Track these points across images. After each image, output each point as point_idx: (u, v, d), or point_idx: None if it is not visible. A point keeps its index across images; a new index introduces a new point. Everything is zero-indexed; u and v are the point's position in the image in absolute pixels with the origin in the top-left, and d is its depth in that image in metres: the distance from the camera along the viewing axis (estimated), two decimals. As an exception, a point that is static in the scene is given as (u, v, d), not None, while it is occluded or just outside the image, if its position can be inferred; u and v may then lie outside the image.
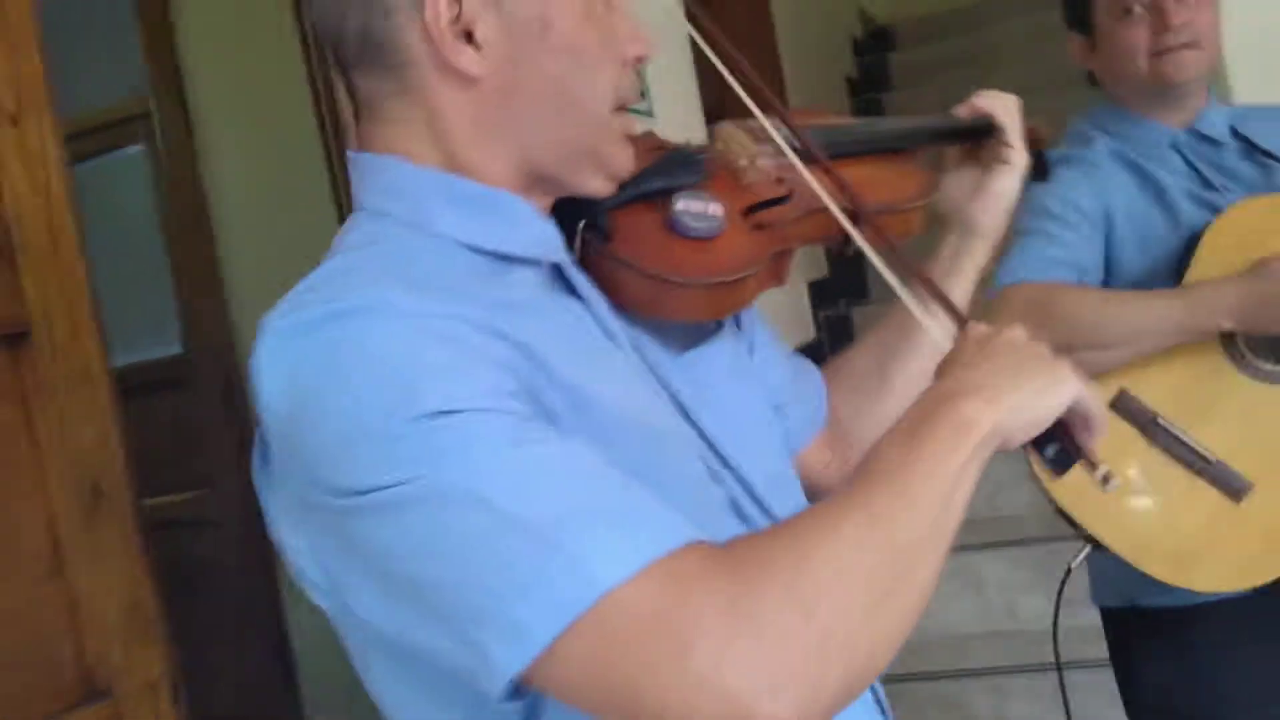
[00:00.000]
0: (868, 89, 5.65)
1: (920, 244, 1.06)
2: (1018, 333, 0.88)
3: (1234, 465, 1.65)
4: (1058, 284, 1.71)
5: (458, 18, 0.84)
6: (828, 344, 4.31)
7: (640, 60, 0.93)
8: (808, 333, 4.36)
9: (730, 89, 1.02)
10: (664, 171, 0.96)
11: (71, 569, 1.39)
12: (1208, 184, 1.80)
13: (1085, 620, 1.90)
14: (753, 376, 1.05)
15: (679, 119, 3.19)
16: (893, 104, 5.30)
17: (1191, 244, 1.73)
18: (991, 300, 1.72)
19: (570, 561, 0.67)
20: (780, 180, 1.03)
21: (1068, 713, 1.72)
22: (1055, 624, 1.69)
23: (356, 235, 0.86)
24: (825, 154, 1.03)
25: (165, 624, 1.49)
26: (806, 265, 4.43)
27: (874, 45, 6.06)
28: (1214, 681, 1.75)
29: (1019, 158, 1.17)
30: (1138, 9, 1.77)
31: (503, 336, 0.76)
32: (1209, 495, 1.66)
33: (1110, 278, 1.79)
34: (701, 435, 0.90)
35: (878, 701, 0.97)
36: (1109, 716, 1.90)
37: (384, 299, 0.74)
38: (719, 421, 0.92)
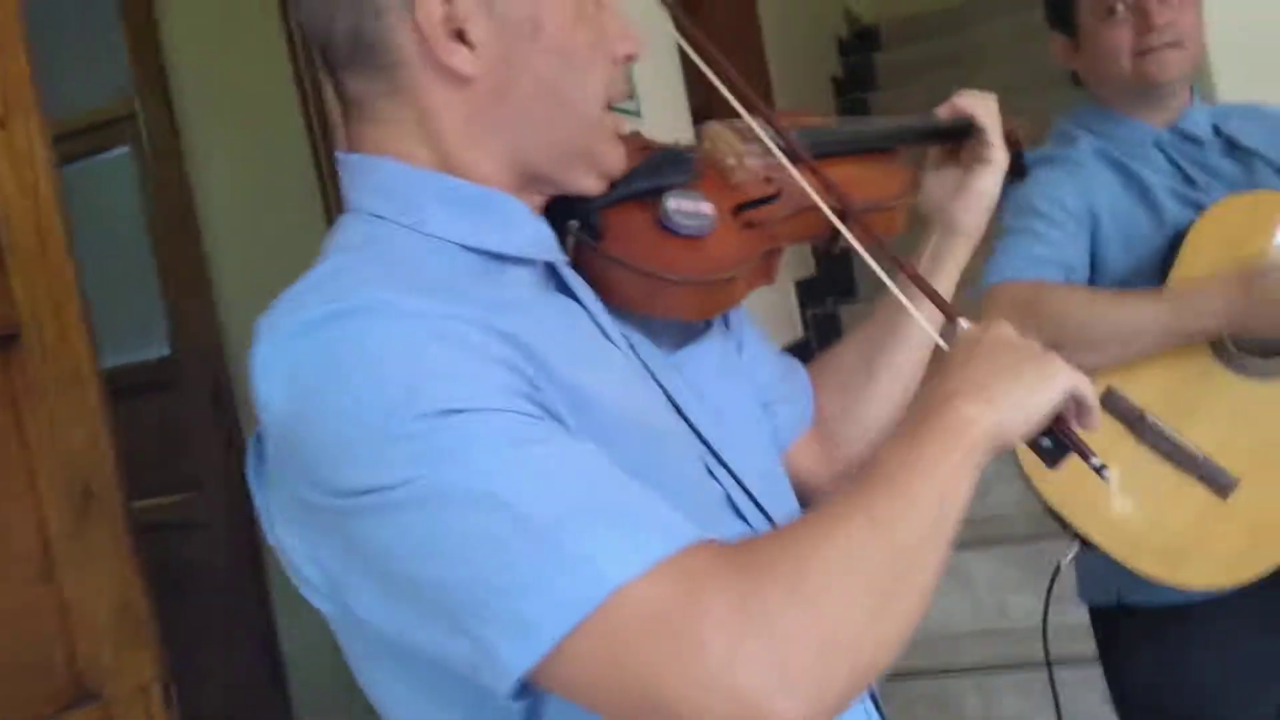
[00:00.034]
0: (853, 89, 5.66)
1: (902, 243, 1.07)
2: (1009, 330, 0.88)
3: (1221, 462, 1.66)
4: (1045, 283, 1.72)
5: (449, 17, 0.84)
6: (816, 342, 4.32)
7: (630, 59, 0.93)
8: (796, 331, 4.37)
9: (717, 89, 1.03)
10: (654, 171, 0.97)
11: (62, 571, 1.39)
12: (1191, 182, 1.81)
13: (1074, 618, 1.90)
14: (741, 375, 1.06)
15: (666, 118, 3.20)
16: (878, 104, 5.32)
17: (1176, 242, 1.74)
18: (978, 299, 1.73)
19: (579, 559, 0.68)
20: (768, 179, 1.04)
21: (1058, 710, 1.72)
22: (1045, 622, 1.70)
23: (351, 236, 0.86)
24: (810, 154, 1.03)
25: (156, 626, 1.49)
26: (794, 264, 4.44)
27: (859, 45, 6.07)
28: (1202, 679, 1.75)
29: (1000, 157, 1.18)
30: (1120, 9, 1.77)
31: (503, 336, 0.76)
32: (1197, 492, 1.67)
33: (1095, 276, 1.79)
34: (696, 434, 0.90)
35: (872, 698, 0.98)
36: (1098, 714, 1.91)
37: (384, 299, 0.74)
38: (712, 420, 0.93)
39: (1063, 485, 1.66)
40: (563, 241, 0.91)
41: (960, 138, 1.19)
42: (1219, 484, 1.66)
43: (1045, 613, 1.70)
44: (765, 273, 1.03)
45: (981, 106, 1.18)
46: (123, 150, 3.46)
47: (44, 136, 1.46)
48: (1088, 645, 1.89)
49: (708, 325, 1.02)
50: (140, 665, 1.46)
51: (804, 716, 0.67)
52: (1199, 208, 1.76)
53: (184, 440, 3.33)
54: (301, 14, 0.90)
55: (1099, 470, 0.86)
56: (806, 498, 1.08)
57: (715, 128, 1.07)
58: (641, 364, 0.91)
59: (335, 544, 0.75)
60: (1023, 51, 4.04)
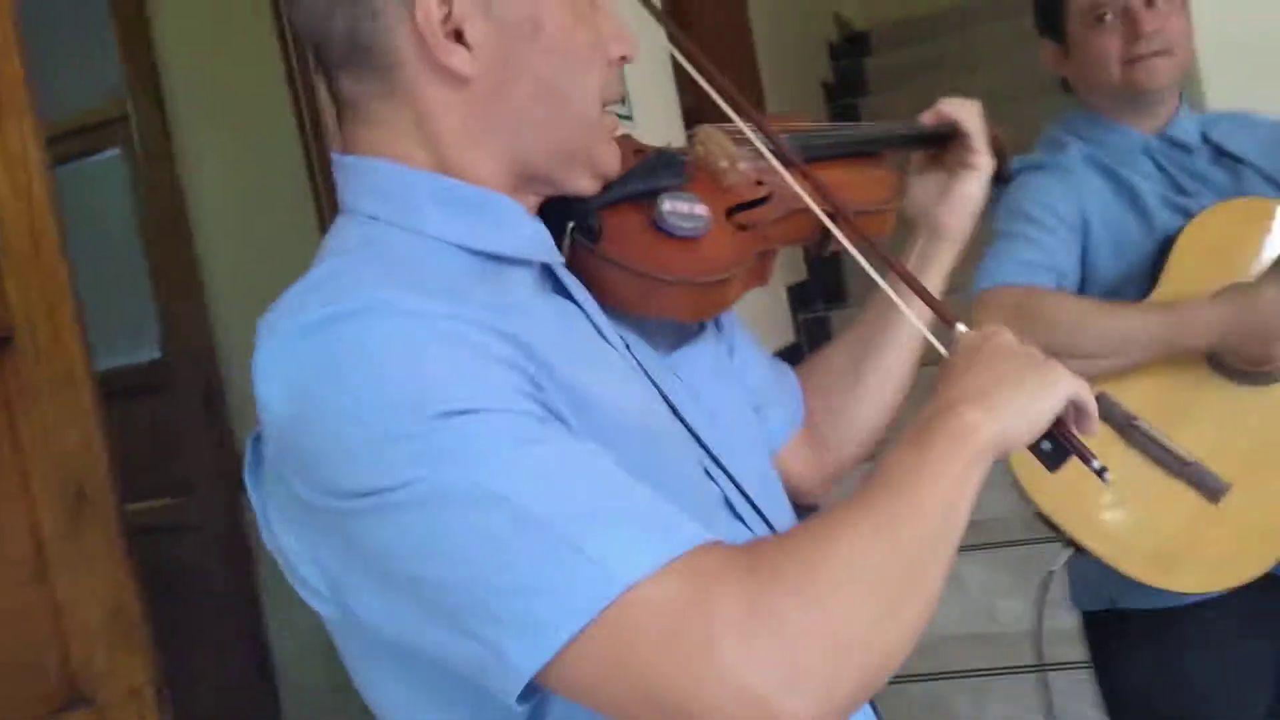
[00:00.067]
0: (844, 94, 5.67)
1: (888, 247, 1.08)
2: (1009, 337, 0.89)
3: (1212, 467, 1.67)
4: (1037, 288, 1.72)
5: (448, 18, 0.84)
6: (806, 347, 4.33)
7: (624, 59, 0.93)
8: (787, 335, 4.38)
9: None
10: (648, 173, 0.97)
11: (55, 574, 1.38)
12: (1180, 189, 1.82)
13: (1065, 622, 1.91)
14: (733, 378, 1.06)
15: (658, 122, 3.20)
16: (868, 109, 5.33)
17: (1165, 248, 1.75)
18: (969, 303, 1.73)
19: (588, 559, 0.68)
20: (760, 182, 1.05)
21: (1049, 715, 1.72)
22: (1039, 626, 1.70)
23: (349, 238, 0.86)
24: (800, 157, 1.04)
25: (149, 630, 1.49)
26: (785, 269, 4.45)
27: (850, 50, 6.09)
28: (1194, 682, 1.76)
29: (984, 162, 1.19)
30: (1110, 16, 1.78)
31: (504, 336, 0.76)
32: (1188, 497, 1.67)
33: (1085, 282, 1.80)
34: (693, 435, 0.91)
35: (870, 703, 0.98)
36: (1090, 718, 1.91)
37: (384, 298, 0.74)
38: (708, 421, 0.93)
39: (1054, 491, 1.67)
40: (558, 243, 0.91)
41: (945, 143, 1.20)
42: (1210, 489, 1.66)
43: (1039, 618, 1.71)
44: (759, 274, 1.04)
45: (965, 112, 1.19)
46: (114, 152, 3.45)
47: (38, 138, 1.46)
48: (1079, 650, 1.90)
49: (702, 327, 1.03)
50: (133, 669, 1.45)
51: (813, 716, 0.67)
52: (1188, 214, 1.77)
53: (175, 443, 3.32)
54: (296, 14, 0.89)
55: (1100, 473, 0.87)
56: (797, 500, 1.09)
57: (707, 130, 1.07)
58: (638, 365, 0.91)
59: (335, 545, 0.75)
60: (1013, 58, 4.05)
